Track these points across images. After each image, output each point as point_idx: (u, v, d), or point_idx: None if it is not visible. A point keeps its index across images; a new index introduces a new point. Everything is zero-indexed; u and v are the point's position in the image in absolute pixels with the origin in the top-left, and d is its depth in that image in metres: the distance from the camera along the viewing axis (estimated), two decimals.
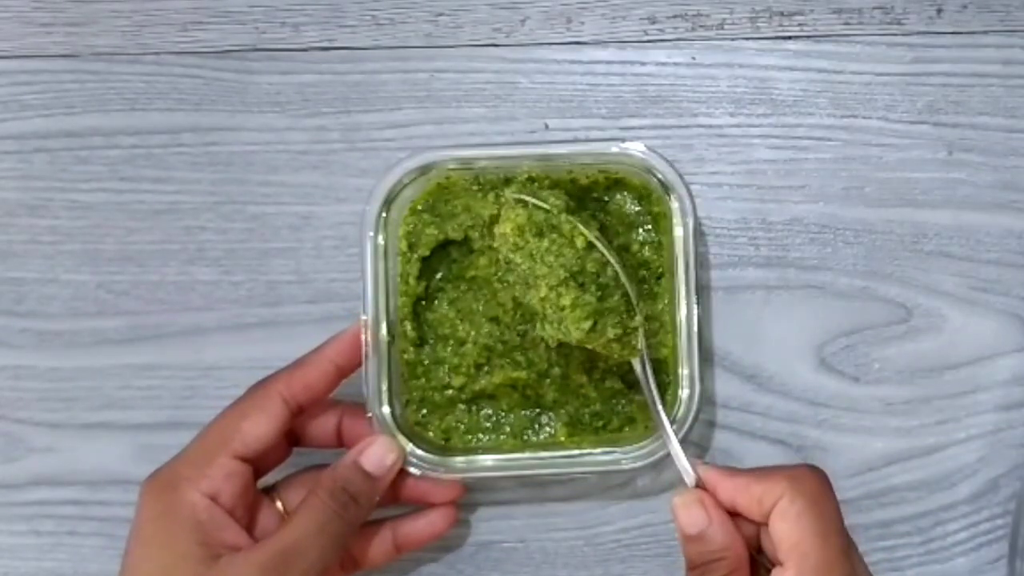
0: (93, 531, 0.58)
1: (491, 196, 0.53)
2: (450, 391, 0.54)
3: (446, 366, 0.54)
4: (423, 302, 0.55)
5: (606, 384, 0.54)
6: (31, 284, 0.58)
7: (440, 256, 0.55)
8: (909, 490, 0.57)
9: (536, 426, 0.55)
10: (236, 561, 0.47)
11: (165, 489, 0.49)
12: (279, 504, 0.52)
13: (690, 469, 0.49)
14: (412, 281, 0.54)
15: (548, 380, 0.54)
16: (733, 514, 0.48)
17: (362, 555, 0.53)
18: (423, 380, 0.54)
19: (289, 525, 0.48)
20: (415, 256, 0.54)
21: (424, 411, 0.54)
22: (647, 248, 0.55)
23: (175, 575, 0.47)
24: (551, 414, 0.55)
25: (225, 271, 0.58)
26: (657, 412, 0.51)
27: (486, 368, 0.54)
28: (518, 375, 0.54)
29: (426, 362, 0.54)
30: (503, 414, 0.55)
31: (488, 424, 0.55)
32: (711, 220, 0.58)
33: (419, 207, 0.55)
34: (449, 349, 0.54)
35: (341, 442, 0.53)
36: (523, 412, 0.55)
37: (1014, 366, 0.58)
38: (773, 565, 0.46)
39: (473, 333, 0.54)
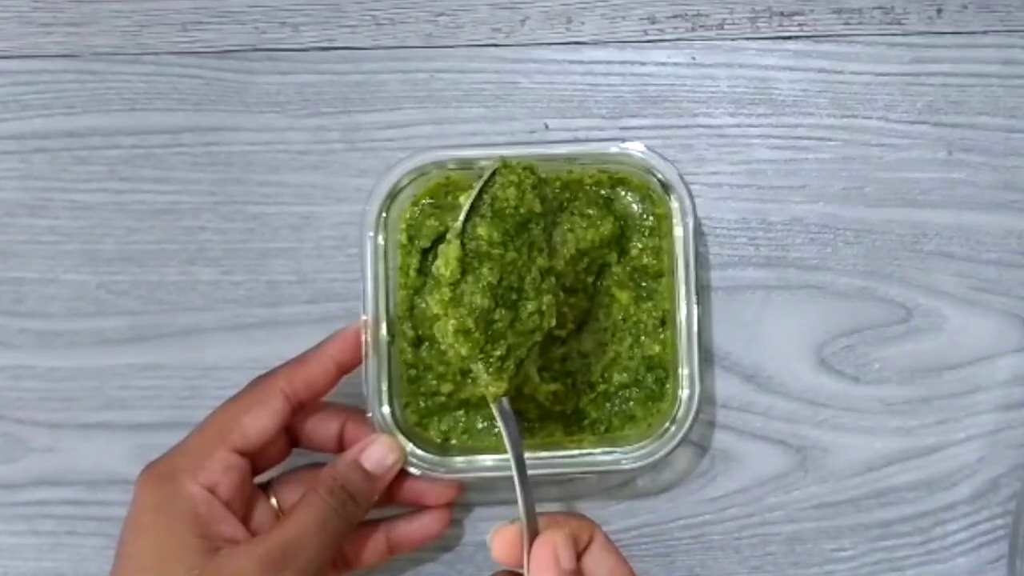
0: (93, 531, 0.58)
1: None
2: (441, 398, 0.54)
3: (434, 372, 0.54)
4: (416, 298, 0.54)
5: (595, 392, 0.54)
6: (31, 284, 0.59)
7: (436, 252, 0.54)
8: (909, 490, 0.57)
9: (532, 431, 0.55)
10: (236, 554, 0.47)
11: (163, 480, 0.49)
12: (273, 501, 0.52)
13: (524, 518, 0.49)
14: (412, 273, 0.54)
15: (524, 397, 0.53)
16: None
17: (355, 555, 0.53)
18: (416, 385, 0.54)
19: (289, 520, 0.48)
20: (415, 247, 0.54)
21: (423, 413, 0.54)
22: (648, 249, 0.55)
23: (173, 564, 0.47)
24: (543, 425, 0.55)
25: (225, 271, 0.58)
26: (513, 457, 0.50)
27: (469, 379, 0.53)
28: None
29: (420, 367, 0.54)
30: (493, 423, 0.54)
31: (482, 426, 0.55)
32: (711, 220, 0.58)
33: (421, 201, 0.54)
34: (435, 354, 0.54)
35: (342, 447, 0.53)
36: (522, 421, 0.54)
37: (1014, 366, 0.58)
38: None
39: None
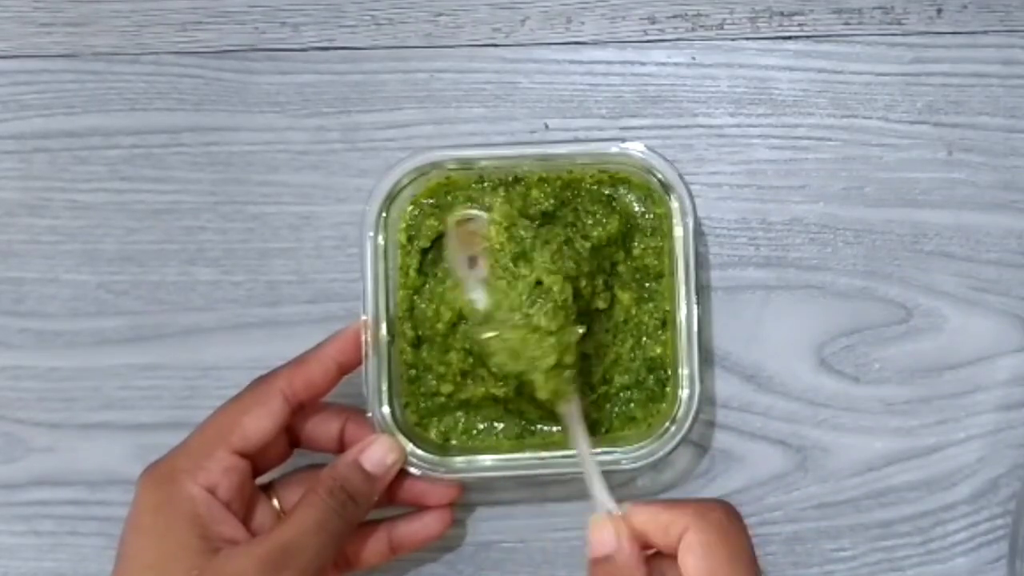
0: (93, 531, 0.58)
1: (500, 191, 0.53)
2: (441, 398, 0.54)
3: (434, 373, 0.54)
4: (416, 298, 0.54)
5: (595, 394, 0.54)
6: (31, 284, 0.59)
7: (436, 253, 0.55)
8: (909, 490, 0.57)
9: (532, 431, 0.55)
10: (236, 554, 0.47)
11: (164, 480, 0.49)
12: (275, 502, 0.52)
13: (607, 499, 0.48)
14: (412, 273, 0.54)
15: (524, 398, 0.53)
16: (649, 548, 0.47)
17: (356, 555, 0.53)
18: (416, 385, 0.54)
19: (288, 521, 0.48)
20: (415, 247, 0.54)
21: (422, 413, 0.54)
22: (650, 249, 0.55)
23: (174, 565, 0.47)
24: (543, 425, 0.55)
25: (225, 271, 0.58)
26: (580, 447, 0.51)
27: (469, 379, 0.53)
28: (496, 390, 0.53)
29: (420, 367, 0.54)
30: (493, 423, 0.55)
31: (482, 426, 0.55)
32: (711, 220, 0.58)
33: (421, 201, 0.54)
34: (435, 354, 0.54)
35: (343, 448, 0.53)
36: (521, 421, 0.54)
37: (1014, 366, 0.58)
38: None
39: (451, 338, 0.53)
